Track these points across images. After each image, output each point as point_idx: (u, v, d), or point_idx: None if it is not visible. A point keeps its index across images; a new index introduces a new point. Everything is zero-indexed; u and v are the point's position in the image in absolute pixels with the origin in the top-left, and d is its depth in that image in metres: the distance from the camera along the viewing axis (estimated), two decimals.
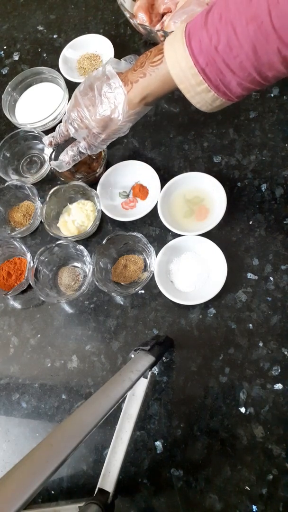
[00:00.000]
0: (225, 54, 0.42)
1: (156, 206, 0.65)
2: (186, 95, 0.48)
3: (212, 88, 0.45)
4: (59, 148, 0.72)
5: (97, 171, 0.69)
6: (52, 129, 0.79)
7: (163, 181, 0.67)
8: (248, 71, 0.42)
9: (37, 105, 0.81)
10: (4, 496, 0.29)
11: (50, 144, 0.65)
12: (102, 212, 0.68)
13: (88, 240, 0.70)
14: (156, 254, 0.63)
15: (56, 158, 0.71)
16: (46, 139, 0.65)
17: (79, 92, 0.57)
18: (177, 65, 0.46)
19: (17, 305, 0.69)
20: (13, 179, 0.74)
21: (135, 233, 0.63)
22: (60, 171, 0.66)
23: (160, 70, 0.48)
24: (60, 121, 0.69)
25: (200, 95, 0.47)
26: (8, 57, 0.90)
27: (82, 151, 0.61)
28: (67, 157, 0.63)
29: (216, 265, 0.61)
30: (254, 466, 0.53)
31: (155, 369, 0.60)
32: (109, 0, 0.89)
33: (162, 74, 0.48)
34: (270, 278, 0.61)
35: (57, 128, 0.63)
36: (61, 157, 0.64)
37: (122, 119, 0.54)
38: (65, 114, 0.60)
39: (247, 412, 0.56)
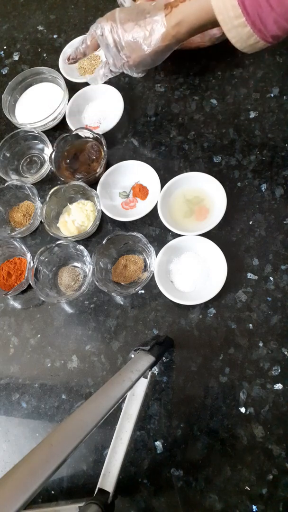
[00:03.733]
0: None
1: (156, 206, 0.65)
2: (223, 28, 0.48)
3: (249, 23, 0.46)
4: (59, 148, 0.72)
5: (97, 171, 0.69)
6: (52, 129, 0.79)
7: (163, 181, 0.67)
8: (286, 7, 0.43)
9: (37, 105, 0.81)
10: (4, 496, 0.29)
11: (68, 59, 0.64)
12: (102, 212, 0.68)
13: (88, 240, 0.70)
14: (156, 254, 0.63)
15: (56, 159, 0.71)
16: (66, 54, 0.65)
17: (119, 12, 0.56)
18: None
19: (17, 305, 0.69)
20: (13, 179, 0.74)
21: (135, 233, 0.63)
22: (95, 85, 0.66)
23: None
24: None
25: (237, 29, 0.47)
26: (8, 57, 0.90)
27: (113, 69, 0.61)
28: (101, 73, 0.63)
29: (216, 265, 0.61)
30: (254, 466, 0.53)
31: (155, 369, 0.60)
32: (109, 0, 0.89)
33: (203, 1, 0.48)
34: (270, 278, 0.61)
35: (78, 42, 0.63)
36: (94, 74, 0.64)
37: (151, 49, 0.55)
38: (93, 25, 0.59)
39: (247, 412, 0.56)
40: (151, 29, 0.54)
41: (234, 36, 0.49)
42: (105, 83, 0.79)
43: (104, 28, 0.57)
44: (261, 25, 0.46)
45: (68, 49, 0.83)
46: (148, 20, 0.54)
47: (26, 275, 0.66)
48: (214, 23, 0.49)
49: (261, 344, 0.58)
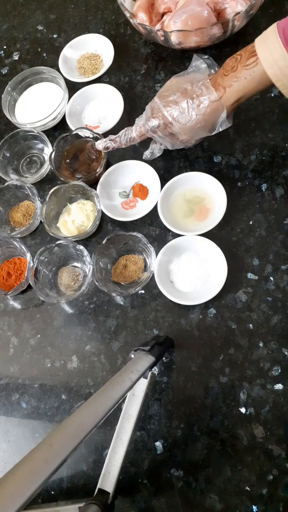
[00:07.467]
0: None
1: (156, 206, 0.65)
2: (282, 91, 0.52)
3: None
4: (58, 148, 0.72)
5: (97, 171, 0.69)
6: (52, 129, 0.79)
7: (163, 181, 0.67)
8: None
9: (37, 105, 0.81)
10: (4, 496, 0.28)
11: (107, 149, 0.66)
12: (102, 212, 0.68)
13: (88, 240, 0.70)
14: (156, 254, 0.63)
15: (56, 159, 0.71)
16: (102, 142, 0.66)
17: (161, 103, 0.59)
18: (274, 65, 0.49)
19: (17, 305, 0.69)
20: (13, 179, 0.74)
21: (135, 233, 0.63)
22: (151, 159, 0.70)
23: (256, 73, 0.51)
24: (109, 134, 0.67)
25: None
26: (8, 57, 0.90)
27: (165, 148, 0.67)
28: (156, 149, 0.68)
29: (216, 265, 0.61)
30: (254, 467, 0.53)
31: (155, 369, 0.60)
32: (109, 0, 0.89)
33: (258, 76, 0.51)
34: (270, 278, 0.61)
35: (123, 133, 0.64)
36: (148, 151, 0.69)
37: (222, 129, 0.59)
38: (137, 120, 0.64)
39: (247, 412, 0.56)
40: (215, 118, 0.57)
41: None
42: (105, 83, 0.80)
43: (159, 126, 0.60)
44: None
45: (68, 50, 0.83)
46: (205, 109, 0.56)
47: (26, 275, 0.66)
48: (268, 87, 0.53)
49: (261, 344, 0.58)
